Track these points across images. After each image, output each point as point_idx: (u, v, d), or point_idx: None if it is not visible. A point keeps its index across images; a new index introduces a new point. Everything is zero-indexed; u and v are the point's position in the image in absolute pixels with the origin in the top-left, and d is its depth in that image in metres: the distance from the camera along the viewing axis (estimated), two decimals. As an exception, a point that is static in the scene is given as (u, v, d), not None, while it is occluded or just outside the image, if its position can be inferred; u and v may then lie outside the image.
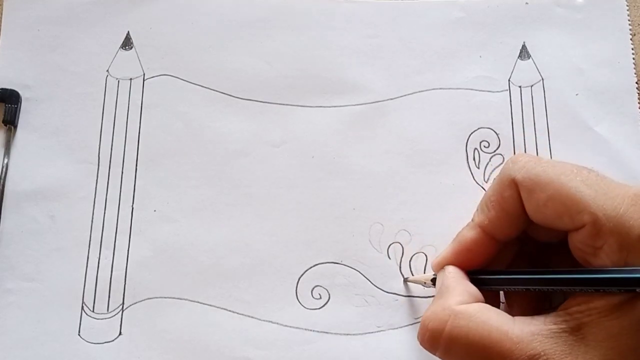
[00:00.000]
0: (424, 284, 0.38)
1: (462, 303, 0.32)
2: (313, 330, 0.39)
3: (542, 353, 0.29)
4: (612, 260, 0.29)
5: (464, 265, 0.35)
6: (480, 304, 0.32)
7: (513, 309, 0.36)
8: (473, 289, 0.33)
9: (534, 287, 0.32)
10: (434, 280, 0.37)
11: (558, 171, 0.31)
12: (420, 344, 0.33)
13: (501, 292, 0.37)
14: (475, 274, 0.35)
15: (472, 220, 0.35)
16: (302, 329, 0.39)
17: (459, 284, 0.33)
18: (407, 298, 0.40)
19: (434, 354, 0.32)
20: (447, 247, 0.36)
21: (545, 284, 0.32)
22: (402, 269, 0.40)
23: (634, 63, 0.44)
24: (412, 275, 0.40)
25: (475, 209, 0.41)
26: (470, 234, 0.35)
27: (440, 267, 0.36)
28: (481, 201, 0.35)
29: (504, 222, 0.34)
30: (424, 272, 0.40)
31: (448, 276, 0.34)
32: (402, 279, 0.40)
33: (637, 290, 0.28)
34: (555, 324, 0.30)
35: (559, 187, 0.31)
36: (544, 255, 0.36)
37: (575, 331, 0.29)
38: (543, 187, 0.31)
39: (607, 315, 0.29)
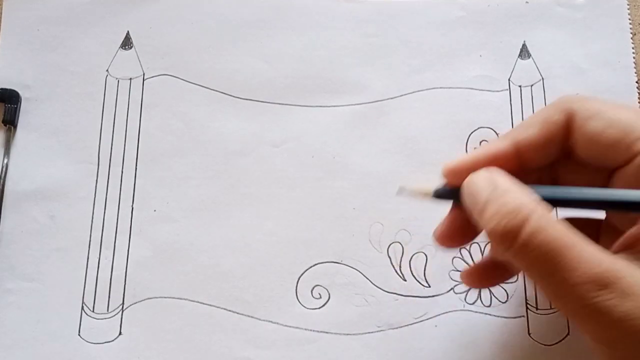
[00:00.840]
0: (424, 197, 0.32)
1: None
2: (313, 330, 0.39)
3: (622, 272, 0.26)
4: None
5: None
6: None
7: None
8: (536, 196, 0.28)
9: (612, 207, 0.30)
10: (439, 194, 0.31)
11: (616, 105, 0.31)
12: (495, 236, 0.27)
13: None
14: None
15: (510, 132, 0.32)
16: (302, 328, 0.39)
17: (519, 186, 0.29)
18: (407, 298, 0.40)
19: (507, 252, 0.27)
20: (472, 152, 0.32)
21: (619, 206, 0.29)
22: (402, 268, 0.40)
23: (634, 63, 0.44)
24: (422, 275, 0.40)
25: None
26: (502, 145, 0.32)
27: (455, 173, 0.31)
28: (526, 119, 0.33)
29: (542, 145, 0.31)
30: (424, 274, 0.40)
31: (500, 177, 0.29)
32: (397, 189, 0.32)
33: None
34: (626, 259, 0.27)
35: (619, 117, 0.30)
36: None
37: None
38: (602, 115, 0.30)
39: None
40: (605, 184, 0.31)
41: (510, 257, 0.27)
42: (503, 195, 0.28)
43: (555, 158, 0.32)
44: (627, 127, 0.30)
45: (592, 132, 0.30)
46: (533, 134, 0.31)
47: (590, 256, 0.26)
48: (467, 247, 0.40)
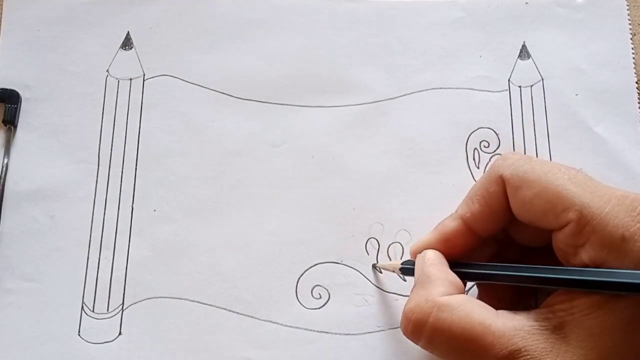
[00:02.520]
0: (394, 272, 0.38)
1: (445, 294, 0.32)
2: (313, 330, 0.39)
3: (523, 349, 0.29)
4: (592, 259, 0.29)
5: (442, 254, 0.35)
6: (463, 295, 0.32)
7: (494, 301, 0.35)
8: (454, 278, 0.33)
9: (516, 283, 0.32)
10: (403, 270, 0.37)
11: (546, 169, 0.32)
12: (404, 334, 0.33)
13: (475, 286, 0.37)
14: (455, 266, 0.34)
15: (456, 211, 0.35)
16: (302, 328, 0.39)
17: (441, 272, 0.33)
18: (407, 298, 0.39)
19: (417, 344, 0.32)
20: (427, 235, 0.36)
21: (527, 281, 0.32)
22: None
23: (634, 63, 0.44)
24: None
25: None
26: (452, 225, 0.35)
27: (417, 253, 0.35)
28: (467, 195, 0.35)
29: (486, 217, 0.34)
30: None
31: (428, 263, 0.34)
32: (372, 265, 0.40)
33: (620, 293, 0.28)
34: (537, 320, 0.30)
35: (546, 185, 0.31)
36: (524, 260, 0.36)
37: (558, 329, 0.29)
38: (530, 185, 0.31)
39: (588, 314, 0.29)
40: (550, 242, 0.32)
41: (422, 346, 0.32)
42: (421, 283, 0.33)
43: (506, 222, 0.34)
44: (554, 197, 0.30)
45: (522, 201, 0.32)
46: (476, 209, 0.34)
47: (496, 332, 0.29)
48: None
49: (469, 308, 0.31)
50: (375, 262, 0.40)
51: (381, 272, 0.40)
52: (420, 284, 0.33)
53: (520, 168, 0.32)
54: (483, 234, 0.35)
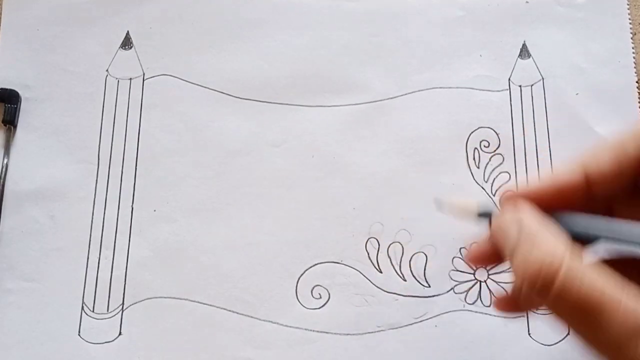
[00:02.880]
0: (469, 214, 0.31)
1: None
2: (313, 330, 0.39)
3: None
4: None
5: (542, 207, 0.29)
6: (589, 259, 0.27)
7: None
8: (566, 240, 0.27)
9: None
10: (483, 215, 0.30)
11: None
12: (528, 291, 0.26)
13: None
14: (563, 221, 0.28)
15: (579, 160, 0.30)
16: (302, 328, 0.39)
17: (550, 230, 0.27)
18: (407, 298, 0.40)
19: (542, 303, 0.27)
20: (537, 182, 0.30)
21: None
22: (402, 268, 0.40)
23: (634, 62, 0.44)
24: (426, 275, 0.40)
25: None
26: (571, 175, 0.29)
27: (513, 201, 0.30)
28: (599, 145, 0.30)
29: (612, 178, 0.29)
30: (424, 274, 0.40)
31: (531, 218, 0.28)
32: (436, 201, 0.33)
33: None
34: None
35: None
36: None
37: None
38: None
39: None
40: None
41: (544, 305, 0.27)
42: (530, 242, 0.27)
43: (630, 188, 0.29)
44: None
45: None
46: (605, 165, 0.29)
47: (627, 308, 0.25)
48: (468, 247, 0.40)
49: (597, 272, 0.26)
50: (440, 199, 0.32)
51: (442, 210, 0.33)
52: (530, 240, 0.27)
53: None
54: (598, 196, 0.29)
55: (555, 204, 0.29)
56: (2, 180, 0.41)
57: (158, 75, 0.44)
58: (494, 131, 0.43)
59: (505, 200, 0.30)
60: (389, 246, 0.40)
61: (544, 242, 0.27)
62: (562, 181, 0.29)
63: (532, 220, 0.28)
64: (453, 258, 0.40)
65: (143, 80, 0.44)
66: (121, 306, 0.39)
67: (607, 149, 0.29)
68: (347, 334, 0.39)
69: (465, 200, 0.30)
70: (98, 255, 0.40)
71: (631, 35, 0.44)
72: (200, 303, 0.39)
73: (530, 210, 0.28)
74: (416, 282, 0.40)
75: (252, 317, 0.39)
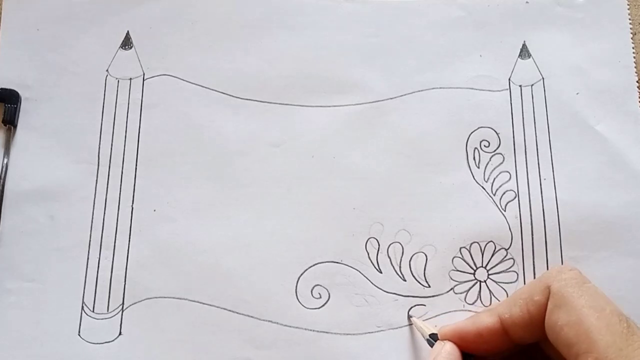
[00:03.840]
0: (423, 335, 0.38)
1: None
2: (313, 330, 0.39)
3: None
4: None
5: (468, 346, 0.34)
6: None
7: None
8: None
9: None
10: (429, 341, 0.36)
11: (591, 302, 0.30)
12: None
13: None
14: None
15: (495, 307, 0.35)
16: (302, 328, 0.39)
17: None
18: (407, 298, 0.40)
19: None
20: (461, 322, 0.35)
21: None
22: (402, 268, 0.40)
23: (634, 62, 0.44)
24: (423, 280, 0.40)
25: (475, 209, 0.41)
26: (488, 321, 0.34)
27: (447, 336, 0.35)
28: (511, 295, 0.35)
29: (525, 324, 0.33)
30: (424, 274, 0.40)
31: (443, 355, 0.34)
32: (407, 315, 0.39)
33: None
34: None
35: (581, 319, 0.30)
36: None
37: None
38: (568, 310, 0.30)
39: None
40: None
41: None
42: None
43: (543, 335, 0.32)
44: (583, 335, 0.29)
45: (555, 322, 0.31)
46: (516, 313, 0.33)
47: None
48: (468, 247, 0.40)
49: None
50: (409, 312, 0.39)
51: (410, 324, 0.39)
52: None
53: (569, 288, 0.31)
54: (516, 340, 0.34)
55: (477, 344, 0.34)
56: (2, 180, 0.41)
57: (158, 75, 0.44)
58: (494, 131, 0.43)
59: (442, 332, 0.35)
60: (389, 246, 0.40)
61: None
62: (480, 325, 0.34)
63: (442, 357, 0.34)
64: (453, 258, 0.40)
65: (143, 80, 0.44)
66: (121, 306, 0.39)
67: (519, 297, 0.33)
68: (347, 334, 0.39)
69: (424, 325, 0.38)
70: (98, 255, 0.40)
71: (631, 35, 0.44)
72: (200, 303, 0.39)
73: (452, 351, 0.34)
74: (416, 282, 0.40)
75: (252, 317, 0.39)
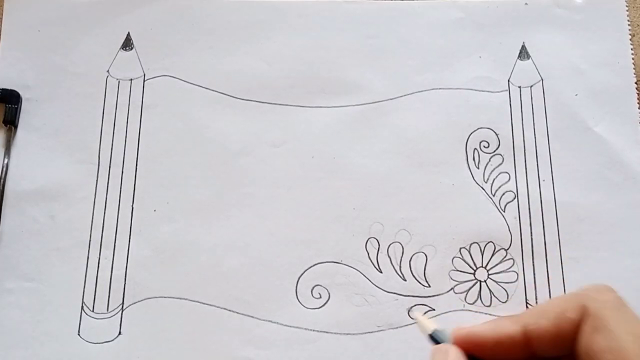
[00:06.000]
0: (424, 332, 0.34)
1: None
2: (313, 330, 0.39)
3: None
4: None
5: (483, 353, 0.32)
6: None
7: None
8: None
9: None
10: (431, 338, 0.34)
11: (632, 329, 0.29)
12: None
13: None
14: None
15: (519, 315, 0.32)
16: (302, 328, 0.39)
17: None
18: (407, 298, 0.40)
19: None
20: (480, 325, 0.32)
21: None
22: (402, 268, 0.40)
23: (633, 63, 0.44)
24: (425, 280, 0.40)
25: (475, 209, 0.41)
26: (511, 328, 0.31)
27: (461, 340, 0.32)
28: (539, 304, 0.33)
29: (551, 338, 0.31)
30: (424, 274, 0.40)
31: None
32: (409, 310, 0.39)
33: None
34: None
35: (622, 346, 0.28)
36: None
37: None
38: (607, 335, 0.29)
39: None
40: None
41: None
42: None
43: (567, 353, 0.31)
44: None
45: (591, 346, 0.29)
46: (544, 325, 0.31)
47: None
48: (467, 247, 0.40)
49: None
50: (410, 308, 0.39)
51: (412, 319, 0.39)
52: None
53: (608, 311, 0.29)
54: (538, 353, 0.31)
55: (494, 351, 0.31)
56: (2, 180, 0.41)
57: (158, 76, 0.44)
58: (494, 132, 0.43)
59: (455, 333, 0.32)
60: (389, 246, 0.40)
61: None
62: (502, 332, 0.31)
63: None
64: (453, 258, 0.40)
65: (143, 81, 0.44)
66: (121, 306, 0.39)
67: (549, 309, 0.31)
68: (347, 334, 0.39)
69: (428, 321, 0.33)
70: (98, 255, 0.40)
71: (630, 37, 0.44)
72: (200, 303, 0.39)
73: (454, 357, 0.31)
74: (416, 282, 0.40)
75: (252, 317, 0.39)
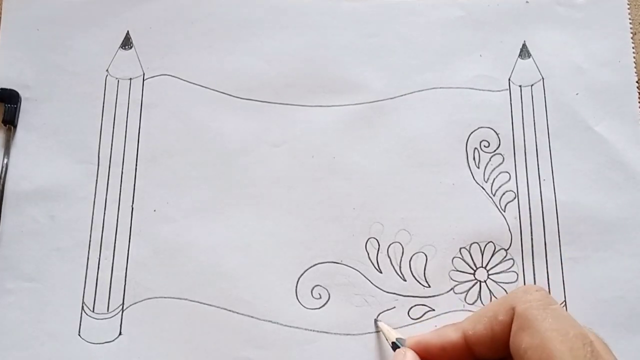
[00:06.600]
0: (388, 340, 0.38)
1: None
2: (313, 330, 0.39)
3: None
4: None
5: (431, 359, 0.34)
6: None
7: None
8: None
9: None
10: (393, 346, 0.37)
11: (555, 326, 0.30)
12: None
13: None
14: None
15: (461, 322, 0.35)
16: (302, 328, 0.39)
17: None
18: (407, 298, 0.40)
19: None
20: (427, 333, 0.36)
21: None
22: (402, 268, 0.40)
23: (634, 62, 0.44)
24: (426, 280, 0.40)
25: (475, 209, 0.41)
26: (453, 335, 0.34)
27: (411, 347, 0.35)
28: (477, 311, 0.35)
29: (487, 342, 0.33)
30: (424, 274, 0.40)
31: None
32: (375, 318, 0.39)
33: None
34: None
35: (544, 343, 0.29)
36: None
37: None
38: (532, 333, 0.30)
39: None
40: None
41: None
42: None
43: (506, 355, 0.32)
44: (545, 358, 0.29)
45: (519, 344, 0.30)
46: (480, 330, 0.33)
47: None
48: (467, 247, 0.40)
49: None
50: (377, 317, 0.39)
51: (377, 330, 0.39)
52: None
53: (533, 310, 0.31)
54: (479, 357, 0.34)
55: (440, 357, 0.34)
56: (2, 180, 0.41)
57: (158, 75, 0.44)
58: (494, 131, 0.43)
59: (409, 341, 0.36)
60: (389, 246, 0.40)
61: None
62: (444, 340, 0.34)
63: None
64: (453, 258, 0.40)
65: (143, 80, 0.44)
66: (121, 306, 0.39)
67: (484, 314, 0.33)
68: (347, 334, 0.39)
69: (390, 331, 0.38)
70: (98, 256, 0.40)
71: (631, 35, 0.44)
72: (200, 303, 0.39)
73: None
74: (416, 282, 0.40)
75: (252, 317, 0.39)
